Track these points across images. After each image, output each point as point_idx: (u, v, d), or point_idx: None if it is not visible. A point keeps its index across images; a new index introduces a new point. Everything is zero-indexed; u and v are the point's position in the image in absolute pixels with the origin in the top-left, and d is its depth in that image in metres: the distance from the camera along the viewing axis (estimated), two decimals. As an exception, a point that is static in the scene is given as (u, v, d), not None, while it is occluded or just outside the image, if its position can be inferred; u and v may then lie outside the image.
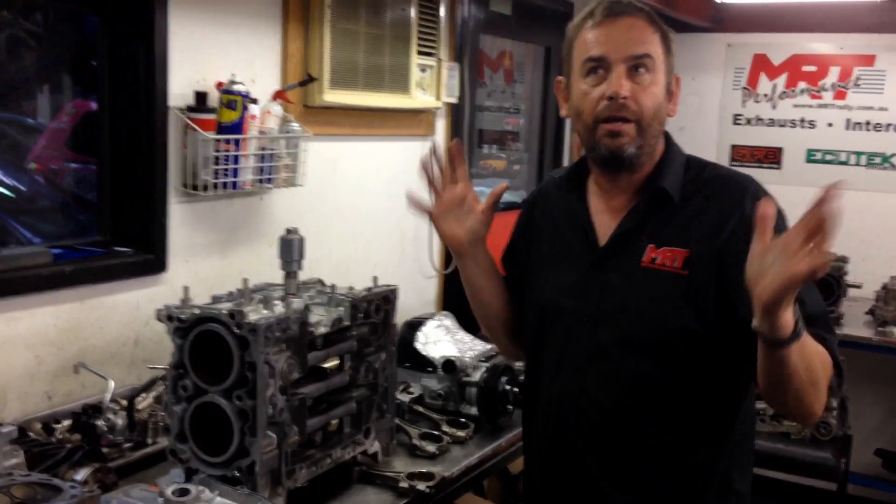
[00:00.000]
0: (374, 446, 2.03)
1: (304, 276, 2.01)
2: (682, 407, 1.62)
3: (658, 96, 1.60)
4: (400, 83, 3.08)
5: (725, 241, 1.56)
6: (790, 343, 1.36)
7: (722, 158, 4.85)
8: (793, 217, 1.62)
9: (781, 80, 4.82)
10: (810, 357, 1.42)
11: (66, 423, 2.02)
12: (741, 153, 4.92)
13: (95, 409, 2.01)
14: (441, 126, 3.50)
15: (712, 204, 1.61)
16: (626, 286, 1.62)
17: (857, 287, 4.05)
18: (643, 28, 1.59)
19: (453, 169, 1.76)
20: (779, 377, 1.42)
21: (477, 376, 2.39)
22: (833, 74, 4.70)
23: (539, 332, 1.77)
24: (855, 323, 3.99)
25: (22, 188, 2.52)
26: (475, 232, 1.75)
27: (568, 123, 4.59)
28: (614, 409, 1.63)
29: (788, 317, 1.34)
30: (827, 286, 3.88)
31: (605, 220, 1.69)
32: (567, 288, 1.70)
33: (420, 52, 3.15)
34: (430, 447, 2.17)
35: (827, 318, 1.58)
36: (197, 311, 1.71)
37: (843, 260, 4.04)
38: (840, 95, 4.70)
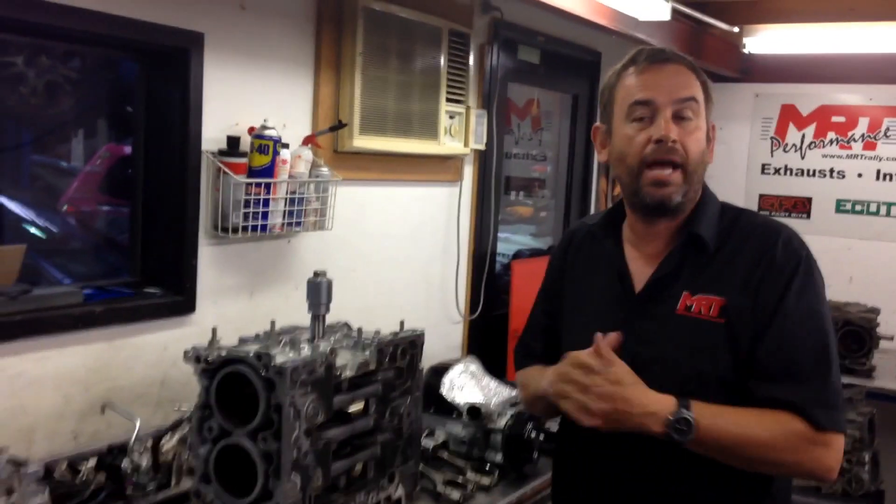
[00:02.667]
0: (398, 492, 2.01)
1: (330, 319, 2.01)
2: (719, 463, 1.57)
3: (702, 142, 1.61)
4: (429, 129, 3.11)
5: (756, 289, 1.56)
6: (678, 443, 1.49)
7: (750, 207, 4.82)
8: (822, 267, 1.63)
9: (810, 130, 4.82)
10: (734, 448, 1.50)
11: (92, 463, 2.02)
12: (769, 202, 4.90)
13: (121, 450, 2.02)
14: (469, 172, 3.53)
15: (746, 251, 1.61)
16: (661, 334, 1.61)
17: (889, 339, 3.99)
18: (687, 74, 1.62)
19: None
20: None
21: (502, 423, 2.37)
22: (862, 125, 4.69)
23: None
24: (887, 375, 3.92)
25: (54, 230, 2.56)
26: None
27: (595, 172, 4.60)
28: (649, 460, 1.61)
29: (643, 430, 1.50)
30: (858, 338, 3.83)
31: (640, 267, 1.69)
32: (604, 335, 1.68)
33: (449, 100, 3.19)
34: (454, 494, 2.15)
35: (809, 380, 1.53)
36: (224, 353, 1.72)
37: (875, 311, 3.99)
38: (870, 146, 4.69)
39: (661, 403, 1.51)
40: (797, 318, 1.54)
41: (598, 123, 1.74)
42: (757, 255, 1.59)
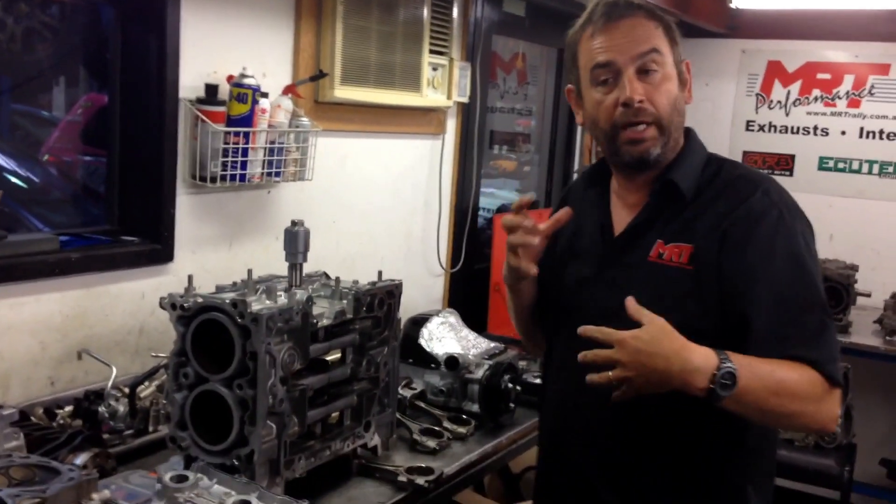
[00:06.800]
0: (375, 440, 2.04)
1: (311, 270, 2.02)
2: (686, 413, 1.55)
3: (672, 91, 1.58)
4: (411, 81, 3.09)
5: (724, 232, 1.54)
6: (712, 402, 1.42)
7: (734, 164, 4.84)
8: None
9: (795, 87, 4.81)
10: (767, 400, 1.44)
11: (68, 408, 2.03)
12: (753, 160, 4.91)
13: (97, 396, 2.03)
14: (451, 125, 3.51)
15: (722, 199, 1.58)
16: (632, 281, 1.58)
17: (867, 296, 4.03)
18: (645, 25, 1.57)
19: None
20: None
21: (479, 374, 2.39)
22: (847, 82, 4.68)
23: (553, 328, 1.76)
24: (863, 331, 3.97)
25: (35, 179, 2.54)
26: (539, 254, 1.68)
27: (579, 126, 4.59)
28: (612, 411, 1.57)
29: (685, 389, 1.42)
30: (836, 294, 3.87)
31: (622, 216, 1.68)
32: (579, 284, 1.69)
33: (432, 51, 3.16)
34: (431, 442, 2.17)
35: (819, 337, 1.51)
36: (200, 300, 1.72)
37: (853, 268, 4.03)
38: (854, 104, 4.68)
39: (703, 357, 1.42)
40: (790, 277, 1.51)
41: (569, 85, 1.71)
42: (732, 205, 1.56)
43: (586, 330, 1.44)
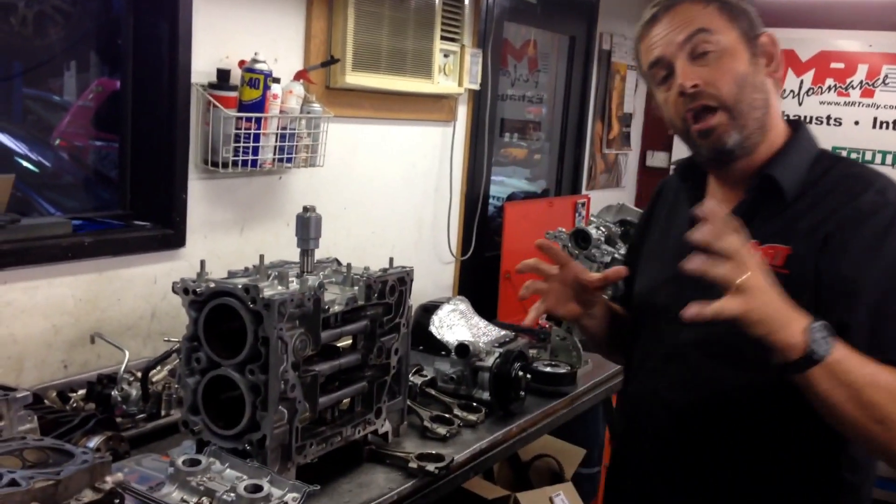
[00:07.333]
0: (385, 426, 2.04)
1: (320, 257, 2.02)
2: (763, 428, 1.44)
3: (736, 68, 1.44)
4: (422, 68, 3.08)
5: (827, 234, 1.39)
6: (797, 370, 1.23)
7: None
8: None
9: (808, 76, 4.79)
10: (863, 388, 1.24)
11: (81, 392, 2.04)
12: (765, 149, 4.89)
13: (110, 380, 2.04)
14: (462, 112, 3.50)
15: (828, 199, 1.42)
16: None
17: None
18: (688, 9, 1.47)
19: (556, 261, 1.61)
20: (821, 409, 1.28)
21: (490, 361, 2.38)
22: (861, 72, 4.66)
23: (635, 327, 1.68)
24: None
25: (46, 164, 2.54)
26: (588, 302, 1.64)
27: (590, 114, 4.58)
28: (685, 416, 1.51)
29: (780, 337, 1.22)
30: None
31: None
32: (661, 283, 1.60)
33: (443, 38, 3.15)
34: (441, 430, 2.17)
35: None
36: (212, 285, 1.72)
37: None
38: (868, 93, 4.66)
39: (796, 311, 1.26)
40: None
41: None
42: (838, 204, 1.41)
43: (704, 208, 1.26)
